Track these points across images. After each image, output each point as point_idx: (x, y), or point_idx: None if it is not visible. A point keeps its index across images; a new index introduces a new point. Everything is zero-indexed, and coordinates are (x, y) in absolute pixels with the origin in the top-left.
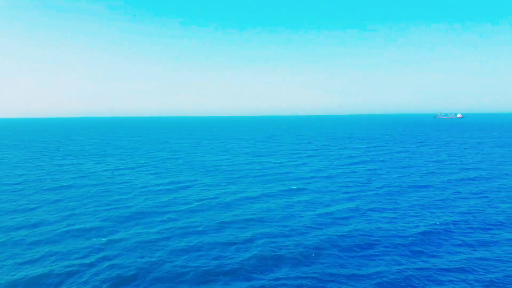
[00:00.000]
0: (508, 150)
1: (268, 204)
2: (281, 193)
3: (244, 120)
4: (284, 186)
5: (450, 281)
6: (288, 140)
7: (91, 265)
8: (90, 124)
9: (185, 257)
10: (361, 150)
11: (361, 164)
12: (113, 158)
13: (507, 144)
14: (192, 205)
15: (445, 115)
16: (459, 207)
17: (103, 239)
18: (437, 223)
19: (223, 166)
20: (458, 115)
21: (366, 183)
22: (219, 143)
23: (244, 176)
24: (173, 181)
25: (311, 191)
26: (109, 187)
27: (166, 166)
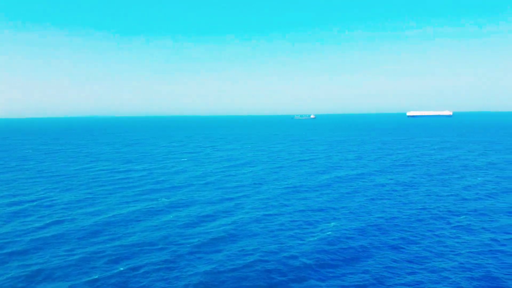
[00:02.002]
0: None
1: (137, 225)
2: (151, 208)
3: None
4: (152, 199)
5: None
6: (161, 143)
7: None
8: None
9: None
10: (239, 151)
11: (243, 167)
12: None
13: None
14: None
15: (301, 116)
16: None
17: None
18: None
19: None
20: (311, 116)
21: (252, 187)
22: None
23: (105, 187)
24: None
25: (187, 202)
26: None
27: None
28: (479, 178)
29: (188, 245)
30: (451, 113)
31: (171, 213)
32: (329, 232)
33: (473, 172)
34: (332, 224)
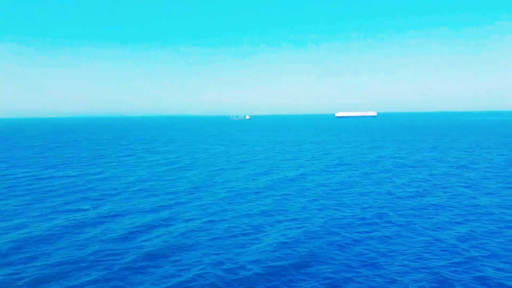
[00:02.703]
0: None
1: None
2: (76, 221)
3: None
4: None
5: None
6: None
7: None
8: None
9: None
10: (175, 154)
11: (180, 171)
12: None
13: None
14: None
15: (237, 117)
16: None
17: None
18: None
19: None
20: (247, 117)
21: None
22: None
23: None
24: None
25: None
26: None
27: None
28: (413, 175)
29: (120, 262)
30: (375, 114)
31: (99, 225)
32: (276, 237)
33: (405, 169)
34: (278, 227)
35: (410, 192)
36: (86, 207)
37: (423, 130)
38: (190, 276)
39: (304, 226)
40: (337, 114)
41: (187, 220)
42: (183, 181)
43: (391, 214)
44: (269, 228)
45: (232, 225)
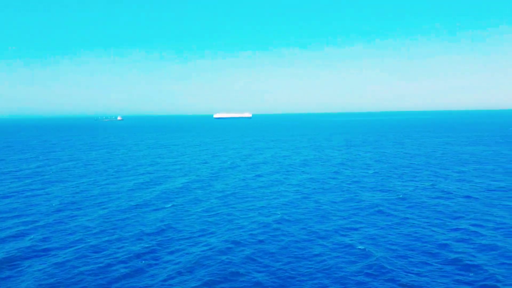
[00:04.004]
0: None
1: None
2: None
3: None
4: None
5: None
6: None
7: None
8: None
9: None
10: (33, 162)
11: (46, 185)
12: None
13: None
14: None
15: (106, 117)
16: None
17: None
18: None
19: None
20: (118, 118)
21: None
22: None
23: None
24: None
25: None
26: None
27: None
28: (305, 175)
29: None
30: (250, 115)
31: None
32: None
33: (296, 169)
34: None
35: (307, 193)
36: None
37: (297, 129)
38: None
39: (227, 235)
40: (215, 115)
41: (61, 250)
42: (49, 197)
43: (300, 219)
44: (179, 246)
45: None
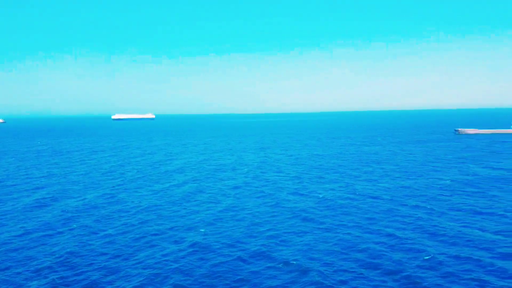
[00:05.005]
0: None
1: None
2: None
3: None
4: None
5: None
6: None
7: None
8: None
9: None
10: None
11: None
12: None
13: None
14: None
15: None
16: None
17: None
18: None
19: None
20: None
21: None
22: None
23: None
24: None
25: None
26: None
27: None
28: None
29: None
30: (153, 116)
31: None
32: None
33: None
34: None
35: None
36: None
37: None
38: None
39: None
40: (113, 117)
41: None
42: None
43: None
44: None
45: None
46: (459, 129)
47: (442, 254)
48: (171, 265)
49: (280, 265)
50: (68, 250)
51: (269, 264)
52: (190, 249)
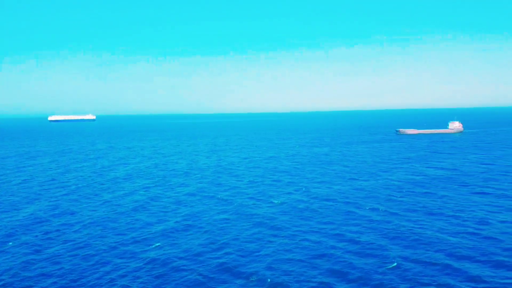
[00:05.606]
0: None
1: None
2: None
3: None
4: None
5: None
6: None
7: None
8: None
9: None
10: None
11: None
12: None
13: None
14: None
15: None
16: None
17: None
18: None
19: None
20: None
21: None
22: None
23: None
24: None
25: None
26: None
27: None
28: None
29: None
30: (94, 117)
31: None
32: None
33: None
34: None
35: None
36: None
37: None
38: None
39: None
40: (50, 118)
41: None
42: None
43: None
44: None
45: None
46: (400, 129)
47: (403, 258)
48: (129, 286)
49: (242, 281)
50: (9, 272)
51: (231, 280)
52: (149, 266)
